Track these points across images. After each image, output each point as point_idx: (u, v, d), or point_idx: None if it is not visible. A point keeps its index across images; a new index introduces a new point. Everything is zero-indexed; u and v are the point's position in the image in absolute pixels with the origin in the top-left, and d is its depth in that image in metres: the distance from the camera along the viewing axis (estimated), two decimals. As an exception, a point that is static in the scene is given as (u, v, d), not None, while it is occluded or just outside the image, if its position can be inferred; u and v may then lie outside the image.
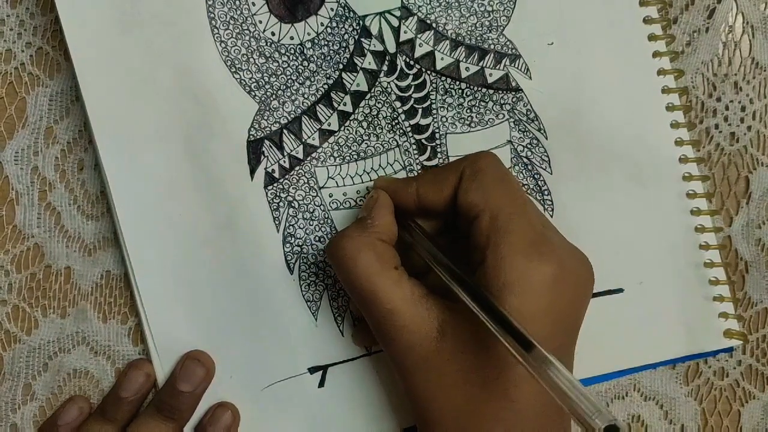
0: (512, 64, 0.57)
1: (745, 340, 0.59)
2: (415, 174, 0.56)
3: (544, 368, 0.39)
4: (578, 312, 0.49)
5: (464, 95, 0.56)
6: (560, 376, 0.38)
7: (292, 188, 0.56)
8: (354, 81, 0.56)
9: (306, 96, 0.55)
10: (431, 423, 0.48)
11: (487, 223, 0.47)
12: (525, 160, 0.57)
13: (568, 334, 0.49)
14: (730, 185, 0.60)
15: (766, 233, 0.60)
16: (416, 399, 0.49)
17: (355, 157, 0.56)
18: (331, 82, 0.55)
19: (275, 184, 0.56)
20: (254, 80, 0.55)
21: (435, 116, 0.56)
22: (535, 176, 0.57)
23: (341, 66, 0.55)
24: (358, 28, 0.55)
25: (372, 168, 0.56)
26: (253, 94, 0.55)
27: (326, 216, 0.56)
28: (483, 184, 0.49)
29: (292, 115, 0.55)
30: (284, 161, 0.55)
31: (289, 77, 0.55)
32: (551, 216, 0.57)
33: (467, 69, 0.56)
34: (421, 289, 0.49)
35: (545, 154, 0.57)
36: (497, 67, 0.57)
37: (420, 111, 0.56)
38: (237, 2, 0.55)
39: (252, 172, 0.55)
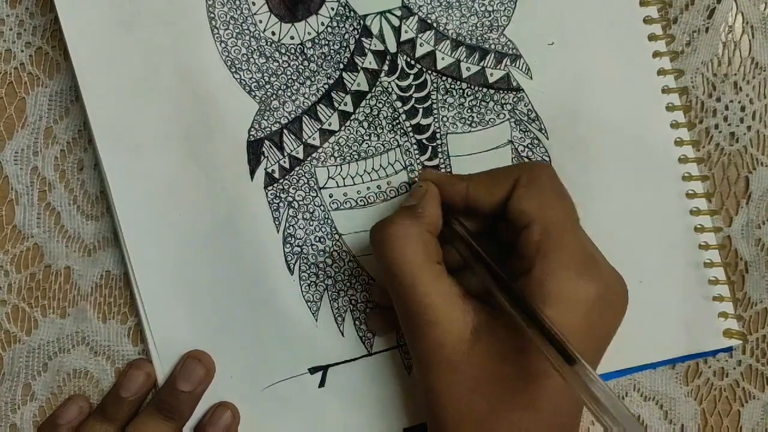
0: (513, 64, 0.57)
1: (745, 340, 0.59)
2: (416, 173, 0.56)
3: (586, 384, 0.39)
4: (611, 334, 0.49)
5: (465, 95, 0.56)
6: (602, 392, 0.39)
7: (292, 188, 0.56)
8: (355, 81, 0.56)
9: (306, 96, 0.55)
10: (448, 425, 0.47)
11: (539, 234, 0.47)
12: (526, 160, 0.57)
13: (599, 353, 0.49)
14: (730, 185, 0.60)
15: (766, 233, 0.60)
16: (435, 399, 0.48)
17: (356, 157, 0.56)
18: (331, 81, 0.55)
19: (275, 185, 0.55)
20: (254, 80, 0.55)
21: (436, 116, 0.56)
22: (536, 176, 0.57)
23: (342, 66, 0.55)
24: (358, 27, 0.55)
25: (372, 168, 0.56)
26: (254, 94, 0.55)
27: (326, 216, 0.56)
28: (539, 193, 0.48)
29: (293, 115, 0.55)
30: (284, 161, 0.55)
31: (289, 77, 0.55)
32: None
33: (468, 69, 0.56)
34: (459, 288, 0.48)
35: (546, 154, 0.57)
36: (498, 67, 0.57)
37: (421, 111, 0.56)
38: (237, 2, 0.55)
39: (252, 172, 0.55)
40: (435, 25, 0.56)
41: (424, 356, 0.48)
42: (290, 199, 0.56)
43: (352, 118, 0.56)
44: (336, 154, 0.56)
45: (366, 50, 0.56)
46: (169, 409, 0.54)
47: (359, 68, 0.56)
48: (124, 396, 0.55)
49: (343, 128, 0.56)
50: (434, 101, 0.56)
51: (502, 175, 0.50)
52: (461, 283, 0.49)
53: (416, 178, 0.56)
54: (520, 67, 0.57)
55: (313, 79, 0.55)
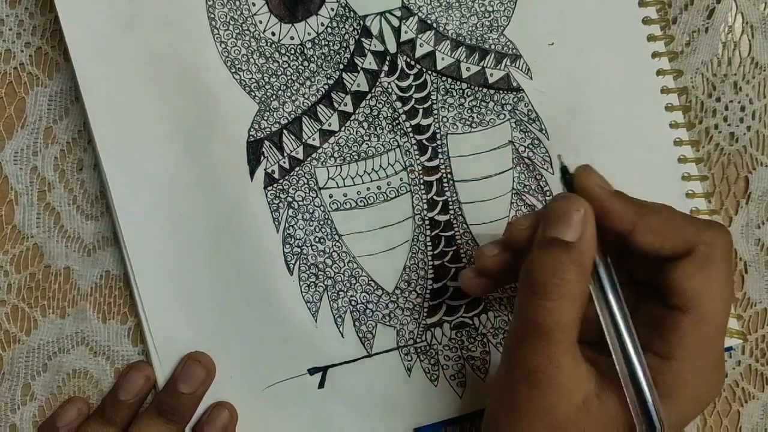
0: (513, 65, 0.57)
1: (745, 340, 0.59)
2: (416, 172, 0.56)
3: None
4: None
5: (465, 95, 0.56)
6: None
7: (292, 189, 0.56)
8: (354, 81, 0.56)
9: (306, 96, 0.55)
10: None
11: (693, 327, 0.43)
12: (527, 160, 0.57)
13: None
14: (730, 185, 0.60)
15: (766, 233, 0.60)
16: None
17: (356, 157, 0.56)
18: (331, 82, 0.55)
19: (275, 185, 0.55)
20: (254, 80, 0.55)
21: (436, 117, 0.56)
22: (537, 177, 0.57)
23: (342, 66, 0.55)
24: (358, 28, 0.55)
25: (372, 169, 0.56)
26: (253, 94, 0.55)
27: (326, 217, 0.56)
28: (710, 277, 0.43)
29: (293, 116, 0.55)
30: (284, 162, 0.55)
31: (289, 77, 0.55)
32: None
33: (468, 69, 0.56)
34: (582, 349, 0.44)
35: (546, 154, 0.57)
36: (498, 68, 0.57)
37: (421, 111, 0.56)
38: (237, 2, 0.55)
39: (252, 172, 0.55)
40: (435, 25, 0.56)
41: (528, 410, 0.43)
42: (290, 199, 0.56)
43: (352, 118, 0.56)
44: (336, 155, 0.56)
45: (366, 51, 0.56)
46: (171, 411, 0.54)
47: (359, 69, 0.56)
48: (123, 398, 0.55)
49: (343, 129, 0.56)
50: (434, 102, 0.56)
51: (679, 229, 0.44)
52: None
53: (564, 184, 0.46)
54: (520, 68, 0.57)
55: (313, 79, 0.55)
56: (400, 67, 0.56)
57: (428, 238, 0.56)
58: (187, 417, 0.55)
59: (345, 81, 0.56)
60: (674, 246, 0.43)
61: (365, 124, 0.56)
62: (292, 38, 0.55)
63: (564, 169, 0.46)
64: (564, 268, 0.41)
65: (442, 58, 0.56)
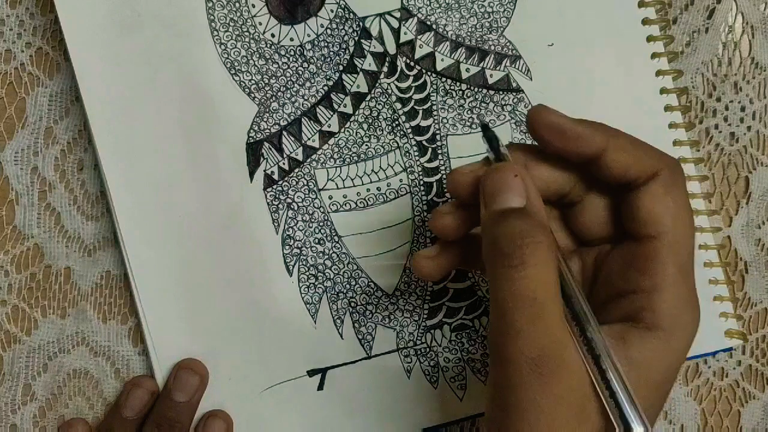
0: (513, 65, 0.57)
1: (745, 340, 0.59)
2: (416, 173, 0.56)
3: None
4: None
5: (465, 96, 0.56)
6: None
7: (292, 190, 0.56)
8: (354, 82, 0.56)
9: (306, 98, 0.55)
10: None
11: (669, 252, 0.41)
12: (526, 162, 0.57)
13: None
14: (730, 185, 0.60)
15: (766, 233, 0.60)
16: None
17: (356, 158, 0.56)
18: (331, 83, 0.55)
19: (274, 186, 0.55)
20: (254, 82, 0.55)
21: (436, 118, 0.56)
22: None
23: (341, 67, 0.55)
24: (358, 29, 0.55)
25: (372, 170, 0.56)
26: (253, 96, 0.55)
27: (326, 218, 0.56)
28: (676, 201, 0.42)
29: (292, 117, 0.55)
30: (284, 163, 0.55)
31: (288, 79, 0.55)
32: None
33: (468, 70, 0.56)
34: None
35: (546, 155, 0.57)
36: (498, 68, 0.57)
37: (420, 112, 0.56)
38: (237, 4, 0.55)
39: (251, 174, 0.55)
40: (434, 26, 0.56)
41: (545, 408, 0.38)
42: (289, 200, 0.56)
43: (351, 119, 0.56)
44: (335, 156, 0.56)
45: (365, 52, 0.56)
46: (170, 424, 0.54)
47: (359, 70, 0.56)
48: (128, 416, 0.55)
49: (342, 130, 0.56)
50: (434, 103, 0.56)
51: (647, 150, 0.43)
52: None
53: (497, 151, 0.43)
54: (520, 68, 0.57)
55: (312, 80, 0.55)
56: (399, 68, 0.56)
57: (428, 240, 0.56)
58: (187, 424, 0.55)
59: (345, 82, 0.56)
60: (644, 167, 0.42)
61: (365, 126, 0.56)
62: (291, 40, 0.55)
63: (485, 127, 0.44)
64: (530, 231, 0.39)
65: (442, 59, 0.56)
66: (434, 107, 0.56)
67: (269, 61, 0.55)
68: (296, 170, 0.56)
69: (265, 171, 0.55)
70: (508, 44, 0.57)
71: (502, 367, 0.39)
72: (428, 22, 0.56)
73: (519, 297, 0.38)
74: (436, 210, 0.45)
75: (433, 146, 0.56)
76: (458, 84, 0.56)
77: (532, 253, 0.38)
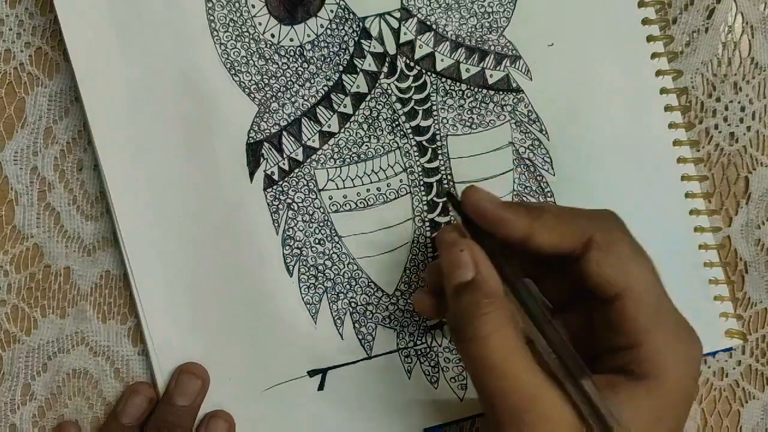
0: (513, 65, 0.57)
1: (745, 340, 0.59)
2: (416, 174, 0.56)
3: None
4: None
5: (465, 96, 0.56)
6: None
7: (292, 190, 0.56)
8: (354, 83, 0.55)
9: (306, 98, 0.55)
10: None
11: (635, 307, 0.43)
12: (527, 161, 0.57)
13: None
14: (730, 185, 0.60)
15: (766, 233, 0.60)
16: None
17: (356, 159, 0.56)
18: (331, 83, 0.55)
19: (275, 187, 0.55)
20: (254, 82, 0.55)
21: (436, 118, 0.56)
22: (538, 178, 0.57)
23: (341, 68, 0.55)
24: (357, 29, 0.55)
25: (372, 170, 0.56)
26: (253, 96, 0.55)
27: (326, 218, 0.56)
28: (620, 260, 0.43)
29: (292, 117, 0.55)
30: (284, 163, 0.55)
31: (288, 79, 0.55)
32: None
33: (467, 70, 0.56)
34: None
35: (547, 155, 0.57)
36: (498, 68, 0.57)
37: (420, 113, 0.56)
38: (237, 4, 0.55)
39: (251, 174, 0.55)
40: (434, 26, 0.56)
41: None
42: (289, 201, 0.56)
43: (351, 120, 0.56)
44: (335, 156, 0.56)
45: (365, 52, 0.55)
46: (171, 429, 0.54)
47: (359, 70, 0.55)
48: (126, 422, 0.55)
49: (342, 130, 0.56)
50: (434, 103, 0.56)
51: (573, 222, 0.45)
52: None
53: (452, 207, 0.49)
54: (520, 68, 0.57)
55: (312, 81, 0.55)
56: (399, 68, 0.56)
57: (428, 240, 0.56)
58: (188, 429, 0.55)
59: (344, 82, 0.55)
60: (573, 239, 0.44)
61: (365, 126, 0.56)
62: (291, 40, 0.55)
63: (448, 195, 0.49)
64: (478, 305, 0.42)
65: (442, 60, 0.56)
66: (434, 107, 0.56)
67: (269, 61, 0.55)
68: (296, 170, 0.56)
69: (265, 171, 0.55)
70: (508, 44, 0.57)
71: (489, 415, 0.42)
72: (428, 23, 0.56)
73: (479, 366, 0.41)
74: (413, 296, 0.52)
75: (433, 146, 0.56)
76: (458, 84, 0.56)
77: (483, 325, 0.41)
